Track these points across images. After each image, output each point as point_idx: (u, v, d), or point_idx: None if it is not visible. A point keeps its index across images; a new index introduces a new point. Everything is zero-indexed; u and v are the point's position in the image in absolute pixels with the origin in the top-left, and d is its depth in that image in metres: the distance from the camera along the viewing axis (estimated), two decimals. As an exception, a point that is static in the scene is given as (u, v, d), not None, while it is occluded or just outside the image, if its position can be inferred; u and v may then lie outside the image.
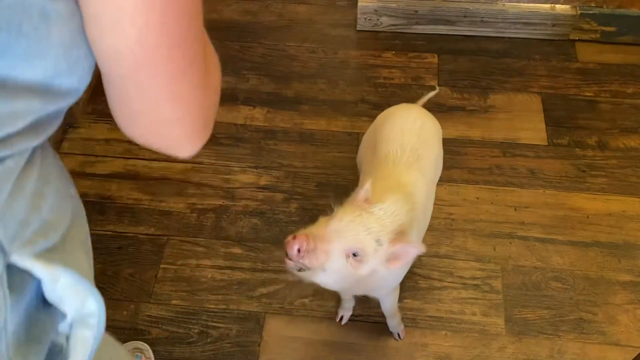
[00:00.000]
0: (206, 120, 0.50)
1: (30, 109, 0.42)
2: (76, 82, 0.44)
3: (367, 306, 1.31)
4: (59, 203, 0.48)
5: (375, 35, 1.85)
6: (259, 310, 1.31)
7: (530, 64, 1.77)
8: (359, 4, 1.81)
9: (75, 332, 0.48)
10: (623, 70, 1.74)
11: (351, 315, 1.30)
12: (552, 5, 1.77)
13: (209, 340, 1.27)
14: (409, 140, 1.12)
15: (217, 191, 1.50)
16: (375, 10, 1.81)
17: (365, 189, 0.95)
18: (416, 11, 1.80)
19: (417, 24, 1.83)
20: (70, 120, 1.61)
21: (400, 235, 0.92)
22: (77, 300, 0.47)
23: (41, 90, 0.42)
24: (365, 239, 0.89)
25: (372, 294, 1.16)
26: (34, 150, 0.46)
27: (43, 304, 0.47)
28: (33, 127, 0.43)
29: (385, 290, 1.14)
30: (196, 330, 1.29)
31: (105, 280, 1.34)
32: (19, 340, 0.44)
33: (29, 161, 0.45)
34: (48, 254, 0.45)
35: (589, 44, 1.81)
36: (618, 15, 1.74)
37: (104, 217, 1.45)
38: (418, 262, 1.37)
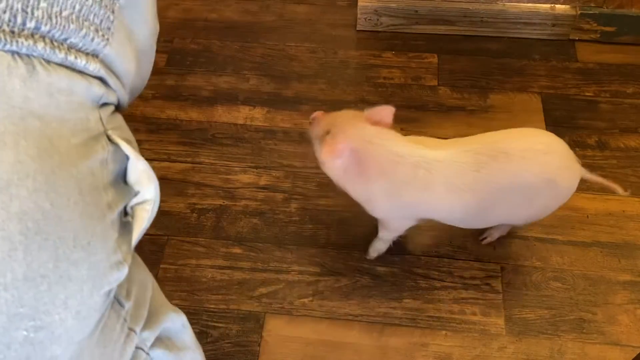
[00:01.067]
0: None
1: (132, 74, 0.66)
2: (147, 70, 0.75)
3: (366, 306, 1.31)
4: (128, 130, 0.68)
5: (375, 35, 1.85)
6: (259, 310, 1.31)
7: (530, 64, 1.77)
8: (359, 4, 1.81)
9: (136, 211, 0.64)
10: (623, 70, 1.74)
11: (351, 316, 1.30)
12: (552, 5, 1.77)
13: (209, 340, 1.27)
14: (516, 143, 1.14)
15: (217, 191, 1.50)
16: (375, 10, 1.81)
17: (383, 108, 1.16)
18: (416, 11, 1.80)
19: (417, 24, 1.83)
20: (70, 120, 1.61)
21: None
22: (147, 183, 0.63)
23: (136, 64, 0.67)
24: (324, 126, 1.14)
25: (371, 212, 1.24)
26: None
27: (123, 181, 0.63)
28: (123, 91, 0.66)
29: (376, 214, 1.23)
30: (196, 330, 1.28)
31: (105, 280, 1.34)
32: (116, 188, 0.60)
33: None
34: (129, 143, 0.62)
35: (589, 44, 1.81)
36: (618, 15, 1.74)
37: (104, 217, 1.45)
38: (418, 262, 1.37)
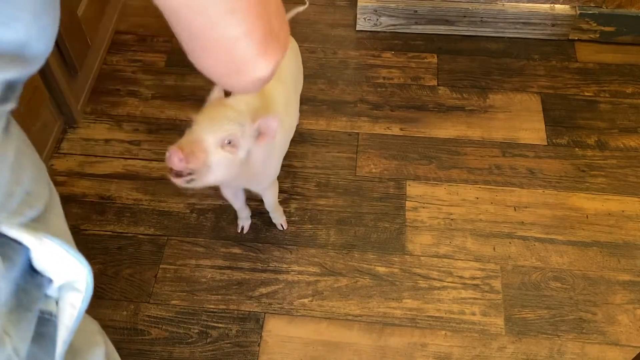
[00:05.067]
0: (272, 30, 0.48)
1: (4, 74, 0.42)
2: (43, 48, 0.44)
3: (366, 306, 1.31)
4: (37, 174, 0.49)
5: (375, 35, 1.85)
6: (259, 311, 1.31)
7: (530, 63, 1.77)
8: (359, 4, 1.81)
9: (65, 295, 0.50)
10: (622, 70, 1.74)
11: (350, 316, 1.30)
12: (552, 5, 1.77)
13: (208, 340, 1.27)
14: None
15: (217, 191, 1.50)
16: (375, 10, 1.81)
17: (215, 90, 1.08)
18: (415, 11, 1.80)
19: (416, 24, 1.83)
20: (70, 120, 1.61)
21: (257, 114, 1.06)
22: (64, 266, 0.48)
23: (14, 56, 0.42)
24: (230, 125, 0.99)
25: (254, 188, 1.28)
26: (9, 121, 0.46)
27: (30, 273, 0.48)
28: (5, 91, 0.43)
29: (264, 182, 1.25)
30: (196, 331, 1.29)
31: (105, 281, 1.34)
32: (11, 310, 0.45)
33: (6, 131, 0.45)
34: (34, 224, 0.47)
35: (588, 44, 1.81)
36: (617, 15, 1.74)
37: (104, 217, 1.45)
38: (417, 262, 1.37)
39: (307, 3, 1.52)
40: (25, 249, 0.47)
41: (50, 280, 0.50)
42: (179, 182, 0.96)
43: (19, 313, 0.47)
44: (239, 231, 1.43)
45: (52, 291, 0.51)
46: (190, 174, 0.95)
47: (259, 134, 1.05)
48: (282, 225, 1.43)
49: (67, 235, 0.52)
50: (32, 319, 0.49)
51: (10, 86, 0.43)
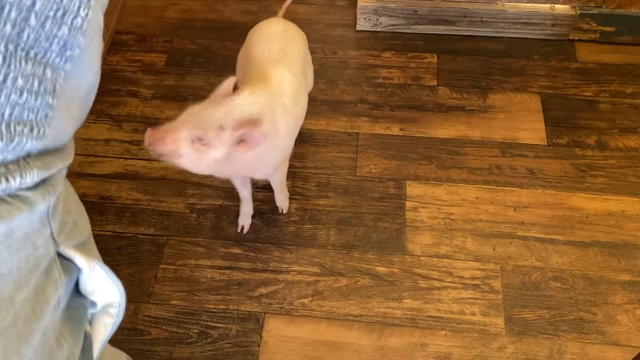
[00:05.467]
0: None
1: (74, 125, 0.51)
2: (71, 132, 0.51)
3: (366, 306, 1.31)
4: (79, 208, 0.56)
5: (375, 35, 1.85)
6: (259, 311, 1.31)
7: (530, 64, 1.77)
8: (359, 4, 1.81)
9: (99, 317, 0.58)
10: (622, 70, 1.74)
11: (350, 316, 1.30)
12: (552, 5, 1.77)
13: (208, 340, 1.27)
14: (274, 42, 1.29)
15: (217, 191, 1.50)
16: (375, 11, 1.81)
17: (225, 83, 1.09)
18: (415, 11, 1.80)
19: (416, 24, 1.83)
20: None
21: (248, 122, 1.04)
22: (106, 290, 0.55)
23: (82, 105, 0.51)
24: (208, 125, 1.02)
25: (258, 176, 1.29)
26: None
27: (77, 295, 0.56)
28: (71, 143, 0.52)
29: (268, 170, 1.27)
30: (196, 331, 1.29)
31: (104, 281, 1.34)
32: (64, 320, 0.53)
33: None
34: (83, 247, 0.53)
35: (589, 44, 1.81)
36: (617, 15, 1.74)
37: (104, 217, 1.45)
38: (417, 262, 1.37)
39: None
40: (76, 270, 0.53)
41: (91, 303, 0.57)
42: (150, 152, 1.03)
43: (71, 324, 0.54)
44: (239, 231, 1.43)
45: (88, 314, 0.58)
46: (161, 155, 1.02)
47: (241, 141, 1.05)
48: (282, 210, 1.44)
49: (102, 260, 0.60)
50: (81, 331, 0.56)
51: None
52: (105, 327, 0.58)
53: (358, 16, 1.83)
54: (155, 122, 1.64)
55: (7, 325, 0.43)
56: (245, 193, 1.39)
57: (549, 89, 1.70)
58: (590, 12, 1.74)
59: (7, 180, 0.41)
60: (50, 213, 0.47)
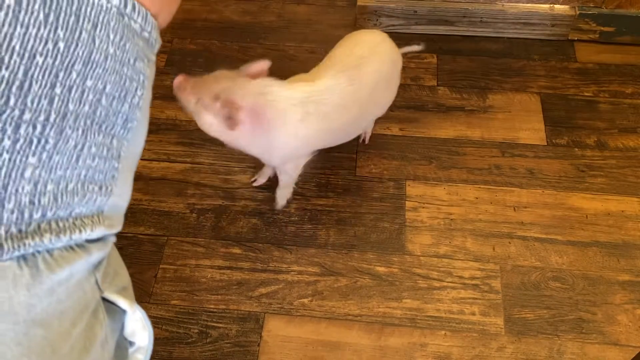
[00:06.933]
0: None
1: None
2: (124, 207, 0.59)
3: (366, 306, 1.31)
4: (119, 260, 0.62)
5: (375, 35, 1.85)
6: (259, 311, 1.31)
7: (529, 64, 1.77)
8: (358, 4, 1.81)
9: (133, 357, 0.64)
10: (622, 71, 1.74)
11: (350, 316, 1.30)
12: (551, 5, 1.77)
13: (208, 340, 1.27)
14: (360, 49, 1.26)
15: (217, 191, 1.50)
16: (375, 11, 1.81)
17: (259, 63, 1.15)
18: (415, 11, 1.80)
19: (416, 24, 1.83)
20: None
21: (230, 103, 1.07)
22: (142, 331, 0.62)
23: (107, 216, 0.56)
24: (210, 91, 1.09)
25: (264, 161, 1.32)
26: None
27: (121, 334, 0.62)
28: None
29: (270, 160, 1.29)
30: (195, 331, 1.29)
31: (104, 281, 1.35)
32: (114, 358, 0.59)
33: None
34: (124, 292, 0.59)
35: (588, 44, 1.81)
36: (617, 15, 1.75)
37: (104, 217, 1.45)
38: (417, 262, 1.37)
39: (420, 46, 1.54)
40: (120, 312, 0.60)
41: (131, 343, 0.63)
42: (179, 100, 1.14)
43: None
44: (251, 181, 1.48)
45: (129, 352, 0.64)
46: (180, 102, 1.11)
47: (229, 119, 1.08)
48: (276, 204, 1.44)
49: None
50: None
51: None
52: None
53: (358, 16, 1.83)
54: (155, 123, 1.64)
55: (65, 354, 0.49)
56: (267, 170, 1.45)
57: (548, 89, 1.70)
58: (590, 12, 1.75)
59: (80, 231, 0.48)
60: (95, 265, 0.53)
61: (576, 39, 1.81)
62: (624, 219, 1.44)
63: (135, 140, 0.55)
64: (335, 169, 1.54)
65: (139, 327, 0.61)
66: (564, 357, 1.24)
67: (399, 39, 1.85)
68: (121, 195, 0.55)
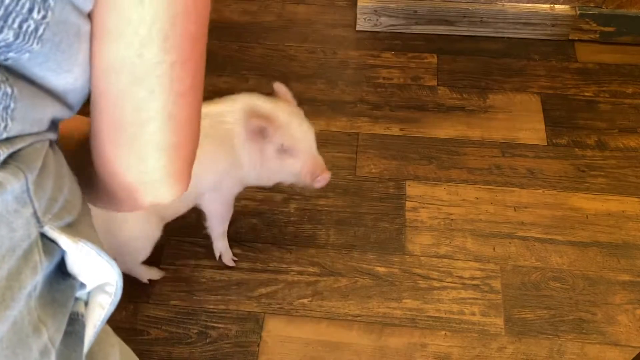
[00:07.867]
0: (188, 161, 0.54)
1: (53, 114, 0.49)
2: (82, 99, 0.51)
3: (366, 307, 1.31)
4: (72, 186, 0.54)
5: (375, 35, 1.85)
6: (258, 311, 1.31)
7: (530, 64, 1.77)
8: (358, 4, 1.81)
9: (94, 297, 0.56)
10: (622, 71, 1.74)
11: (350, 316, 1.30)
12: (552, 5, 1.77)
13: (208, 340, 1.27)
14: None
15: (217, 191, 1.50)
16: (375, 11, 1.81)
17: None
18: (415, 11, 1.80)
19: (416, 24, 1.83)
20: (70, 120, 1.61)
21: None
22: (96, 270, 0.53)
23: (61, 100, 0.49)
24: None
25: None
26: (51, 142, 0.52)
27: (62, 275, 0.53)
28: (51, 125, 0.50)
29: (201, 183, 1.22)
30: (195, 331, 1.29)
31: (104, 281, 1.34)
32: (46, 303, 0.50)
33: (49, 146, 0.50)
34: (69, 229, 0.51)
35: (588, 44, 1.81)
36: (617, 15, 1.74)
37: (103, 217, 1.45)
38: (417, 262, 1.37)
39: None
40: (61, 251, 0.51)
41: (81, 284, 0.54)
42: None
43: (53, 308, 0.50)
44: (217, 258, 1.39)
45: (81, 294, 0.55)
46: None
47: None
48: (218, 257, 1.37)
49: (99, 243, 0.55)
50: (66, 314, 0.53)
51: (54, 121, 0.50)
52: (101, 306, 0.56)
53: (358, 16, 1.83)
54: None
55: None
56: None
57: (548, 89, 1.70)
58: (590, 12, 1.74)
59: None
60: (32, 191, 0.45)
61: (576, 39, 1.81)
62: (625, 219, 1.44)
63: (42, 76, 0.46)
64: (335, 169, 1.53)
65: (91, 266, 0.52)
66: (564, 357, 1.24)
67: (399, 39, 1.85)
68: (34, 112, 0.46)
